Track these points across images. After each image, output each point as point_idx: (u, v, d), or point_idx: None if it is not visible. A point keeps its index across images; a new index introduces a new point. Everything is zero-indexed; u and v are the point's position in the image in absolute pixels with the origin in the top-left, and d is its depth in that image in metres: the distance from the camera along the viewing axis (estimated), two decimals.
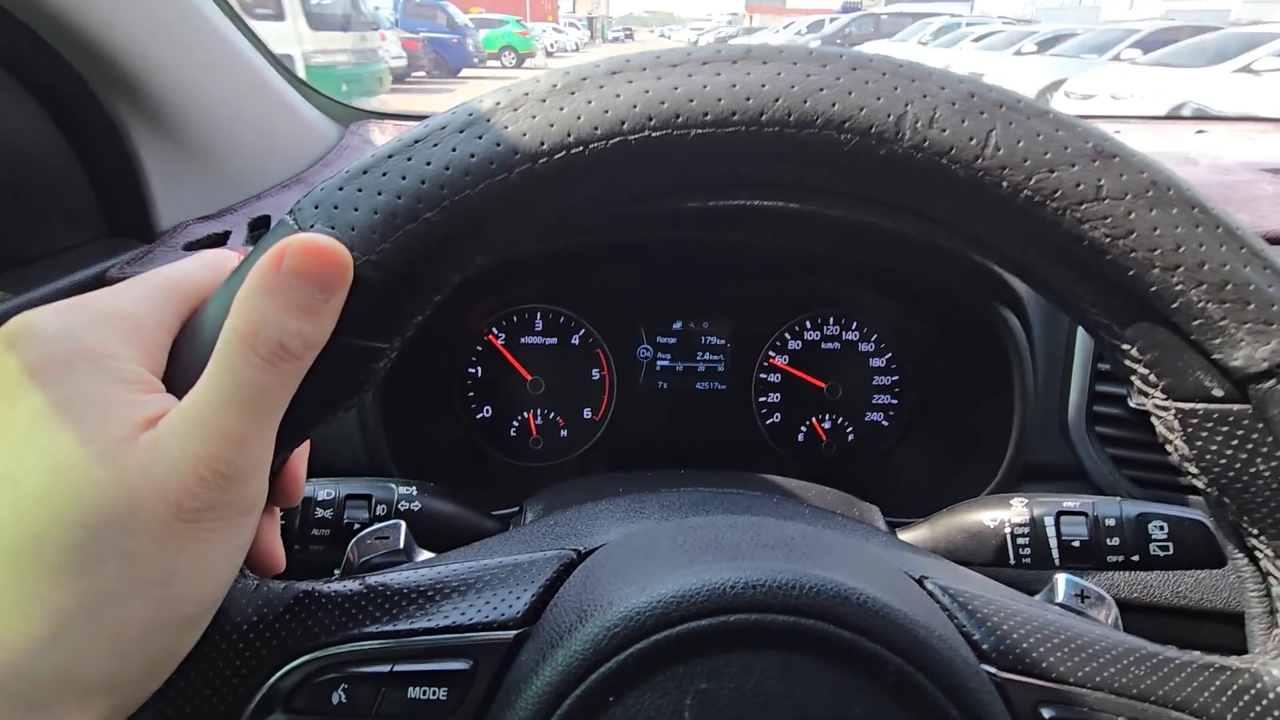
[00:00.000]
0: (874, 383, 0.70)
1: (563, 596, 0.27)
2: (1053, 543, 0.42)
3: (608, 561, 0.28)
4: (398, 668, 0.25)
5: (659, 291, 0.70)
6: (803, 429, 0.71)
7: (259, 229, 0.65)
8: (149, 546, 0.20)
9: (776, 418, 0.71)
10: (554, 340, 0.70)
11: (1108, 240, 0.22)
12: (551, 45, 19.98)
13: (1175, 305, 0.22)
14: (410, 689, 0.25)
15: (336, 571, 0.40)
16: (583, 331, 0.70)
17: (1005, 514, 0.44)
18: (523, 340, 0.69)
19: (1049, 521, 0.43)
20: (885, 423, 0.71)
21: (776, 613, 0.23)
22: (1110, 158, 0.22)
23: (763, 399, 0.71)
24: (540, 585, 0.27)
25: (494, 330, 0.69)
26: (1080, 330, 0.57)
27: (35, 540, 0.19)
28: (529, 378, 0.69)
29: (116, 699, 0.21)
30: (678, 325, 0.71)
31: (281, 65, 0.81)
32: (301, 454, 0.28)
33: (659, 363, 0.71)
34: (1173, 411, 0.24)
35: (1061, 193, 0.22)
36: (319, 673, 0.25)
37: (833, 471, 0.70)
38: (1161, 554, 0.41)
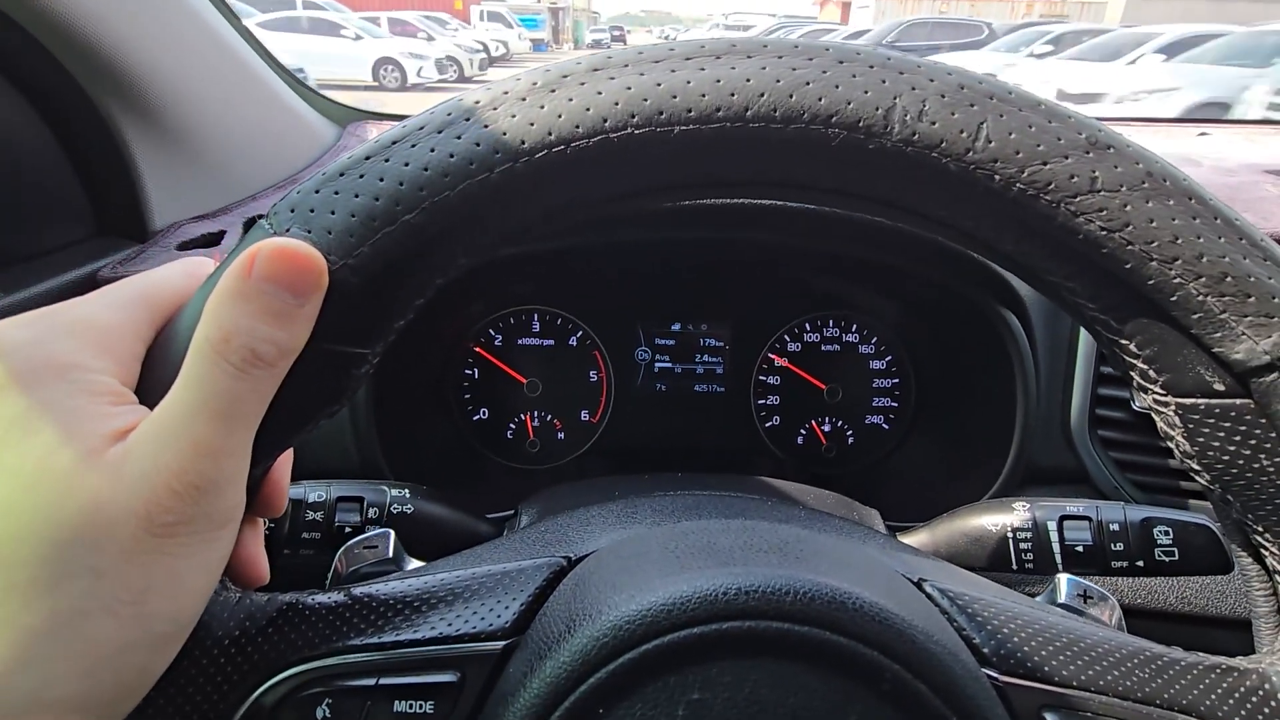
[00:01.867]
0: (874, 385, 0.70)
1: (552, 605, 0.26)
2: (1056, 547, 0.42)
3: (598, 569, 0.27)
4: (383, 681, 0.25)
5: (657, 293, 0.70)
6: (802, 431, 0.70)
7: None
8: (119, 563, 0.20)
9: (776, 420, 0.71)
10: (551, 342, 0.69)
11: (1103, 233, 0.22)
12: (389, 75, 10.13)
13: (1174, 298, 0.22)
14: (396, 703, 0.25)
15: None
16: (580, 333, 0.69)
17: (1007, 518, 0.43)
18: (520, 342, 0.69)
19: (1052, 526, 0.42)
20: (886, 425, 0.70)
21: (770, 619, 0.23)
22: (1105, 149, 0.22)
23: (762, 401, 0.70)
24: (529, 594, 0.27)
25: (491, 331, 0.68)
26: (1083, 332, 0.57)
27: (1, 559, 0.19)
28: (525, 380, 0.69)
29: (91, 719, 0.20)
30: (676, 327, 0.70)
31: (279, 65, 0.80)
32: (285, 462, 0.28)
33: (657, 365, 0.71)
34: (1173, 407, 0.23)
35: (1055, 185, 0.22)
36: (303, 687, 0.25)
37: (832, 474, 0.70)
38: (1167, 559, 0.40)
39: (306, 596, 0.26)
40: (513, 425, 0.69)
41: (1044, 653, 0.25)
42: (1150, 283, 0.22)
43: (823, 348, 0.70)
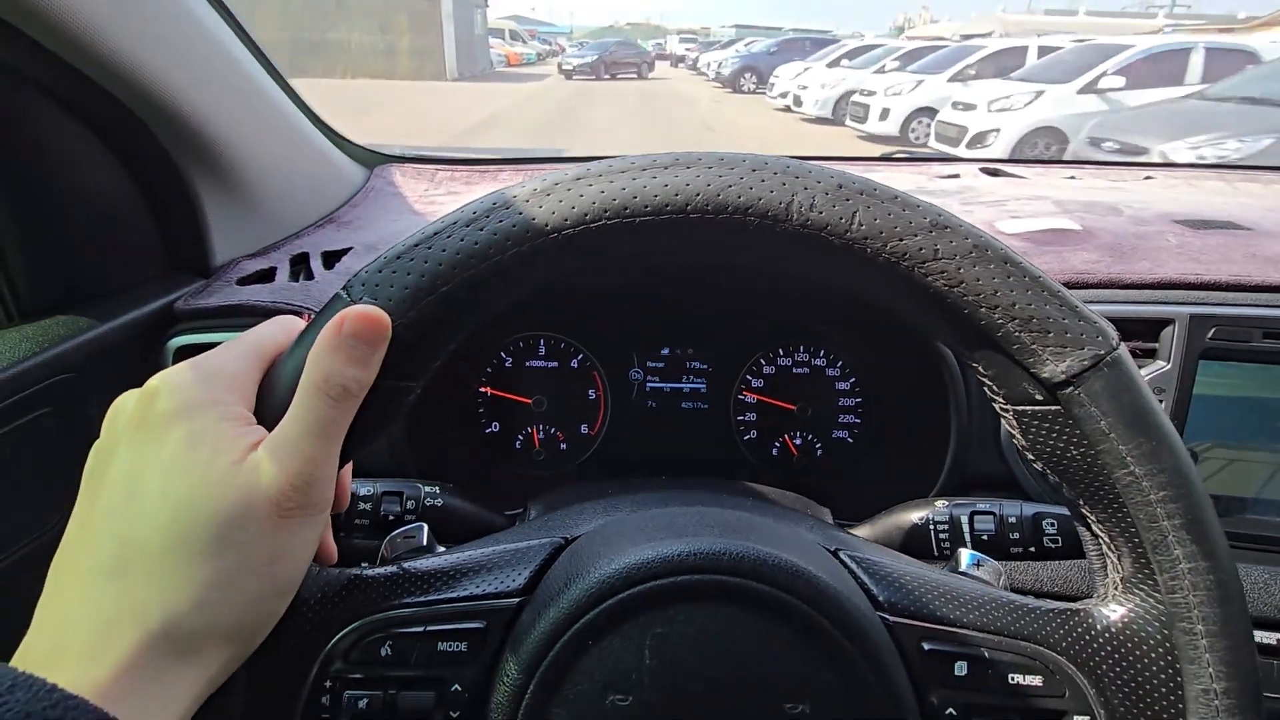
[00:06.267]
0: (840, 404, 0.78)
1: (554, 571, 0.35)
2: (967, 537, 0.51)
3: (587, 544, 0.36)
4: (429, 628, 0.33)
5: (649, 322, 0.78)
6: (776, 445, 0.79)
7: (299, 264, 0.74)
8: (259, 537, 0.28)
9: (753, 434, 0.79)
10: (555, 364, 0.78)
11: (946, 288, 0.29)
12: None
13: (999, 334, 0.29)
14: (439, 644, 0.33)
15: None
16: (581, 356, 0.78)
17: (930, 513, 0.53)
18: (527, 364, 0.77)
19: (964, 519, 0.51)
20: (850, 439, 0.79)
21: (710, 574, 0.31)
22: (944, 228, 0.29)
23: (741, 417, 0.79)
24: (537, 564, 0.36)
25: (503, 354, 0.77)
26: None
27: (183, 535, 0.27)
28: (532, 398, 0.77)
29: (238, 646, 0.29)
30: (666, 351, 0.79)
31: (314, 115, 0.90)
32: (346, 470, 0.36)
33: (649, 384, 0.79)
34: (1011, 413, 0.31)
35: (909, 255, 0.29)
36: (369, 633, 0.33)
37: (800, 480, 0.78)
38: (1052, 546, 0.50)
39: (366, 570, 0.35)
40: (521, 437, 0.78)
41: (925, 599, 0.33)
42: (982, 324, 0.29)
43: (794, 370, 0.78)
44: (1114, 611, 0.32)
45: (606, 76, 22.37)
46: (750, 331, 0.78)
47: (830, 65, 12.05)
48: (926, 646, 0.33)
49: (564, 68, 22.61)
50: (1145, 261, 0.65)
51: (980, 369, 0.31)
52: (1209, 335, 0.59)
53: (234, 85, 0.72)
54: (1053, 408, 0.29)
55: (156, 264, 0.69)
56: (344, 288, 0.31)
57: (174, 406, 0.28)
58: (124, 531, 0.27)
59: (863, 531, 0.56)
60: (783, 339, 0.78)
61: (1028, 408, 0.30)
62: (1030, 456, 0.31)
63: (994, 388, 0.31)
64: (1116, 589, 0.32)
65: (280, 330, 0.33)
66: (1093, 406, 0.29)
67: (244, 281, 0.68)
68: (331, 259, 0.74)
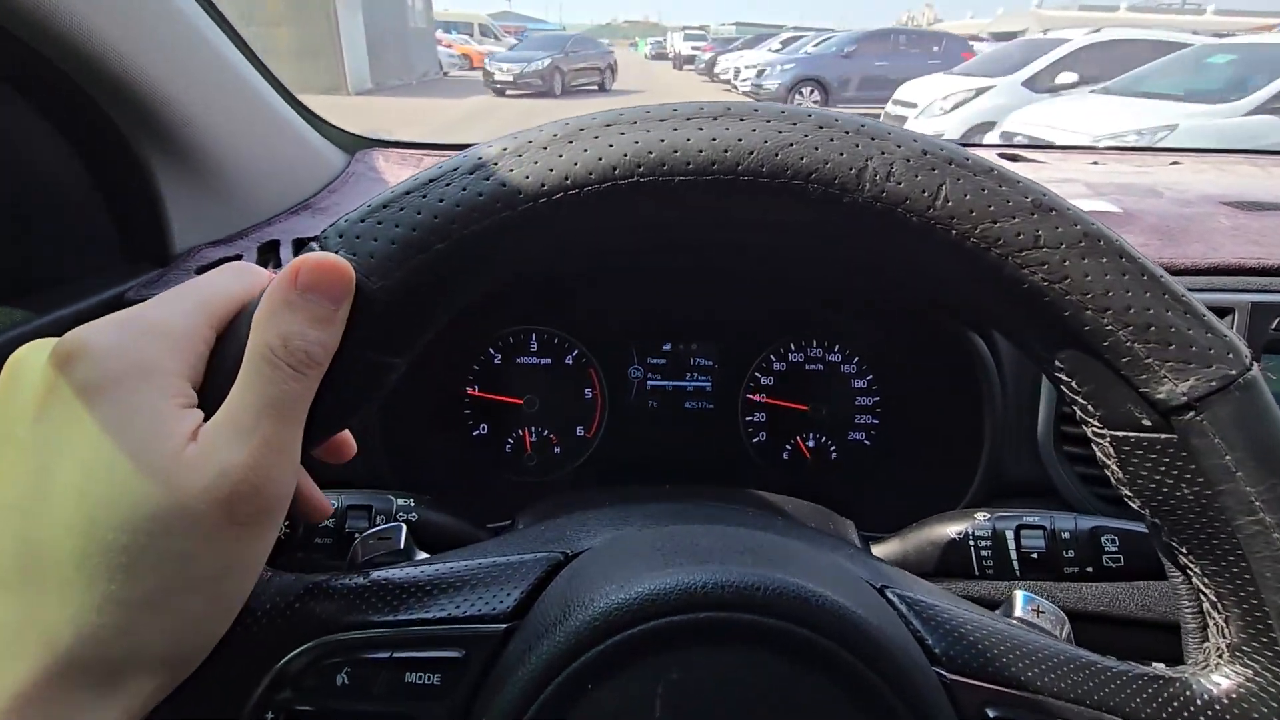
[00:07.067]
0: (856, 403, 0.73)
1: (550, 594, 0.29)
2: (1013, 554, 0.45)
3: (591, 563, 0.30)
4: (397, 654, 0.27)
5: (649, 314, 0.73)
6: (787, 447, 0.73)
7: (268, 253, 0.68)
8: (203, 549, 0.23)
9: (762, 436, 0.74)
10: (548, 360, 0.72)
11: (1045, 284, 0.25)
12: None
13: (1105, 344, 0.24)
14: (408, 674, 0.27)
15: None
16: (576, 352, 0.72)
17: (970, 527, 0.46)
18: (518, 360, 0.72)
19: (1010, 534, 0.45)
20: (867, 441, 0.73)
21: (741, 611, 0.26)
22: (1048, 210, 0.25)
23: (749, 418, 0.74)
24: (529, 583, 0.30)
25: (490, 350, 0.72)
26: None
27: (105, 543, 0.22)
28: (523, 398, 0.72)
29: (167, 675, 0.24)
30: (667, 346, 0.73)
31: (291, 95, 0.84)
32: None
33: (649, 382, 0.74)
34: (1108, 438, 0.26)
35: (1004, 240, 0.25)
36: (325, 656, 0.27)
37: (815, 487, 0.73)
38: (1113, 565, 0.44)
39: (330, 578, 0.29)
40: (511, 440, 0.72)
41: (989, 655, 0.28)
42: (1085, 329, 0.24)
43: (807, 367, 0.73)
44: (1218, 684, 0.27)
45: (559, 93, 13.61)
46: (759, 325, 0.73)
47: (958, 74, 7.11)
48: (992, 714, 0.27)
49: (494, 81, 13.51)
50: (1198, 244, 0.59)
51: (1074, 383, 0.26)
52: (1274, 326, 0.53)
53: (197, 58, 0.66)
54: (1165, 435, 0.25)
55: (109, 252, 0.63)
56: (316, 239, 0.26)
57: (95, 377, 0.23)
58: (28, 533, 0.22)
59: (892, 546, 0.50)
60: (794, 333, 0.73)
61: (1131, 434, 0.25)
62: (1128, 493, 0.26)
63: (1089, 407, 0.26)
64: (1221, 656, 0.27)
65: (237, 281, 0.27)
66: (1217, 438, 0.24)
67: (203, 270, 0.62)
68: (303, 246, 0.68)
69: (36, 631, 0.21)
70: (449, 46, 21.46)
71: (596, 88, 14.88)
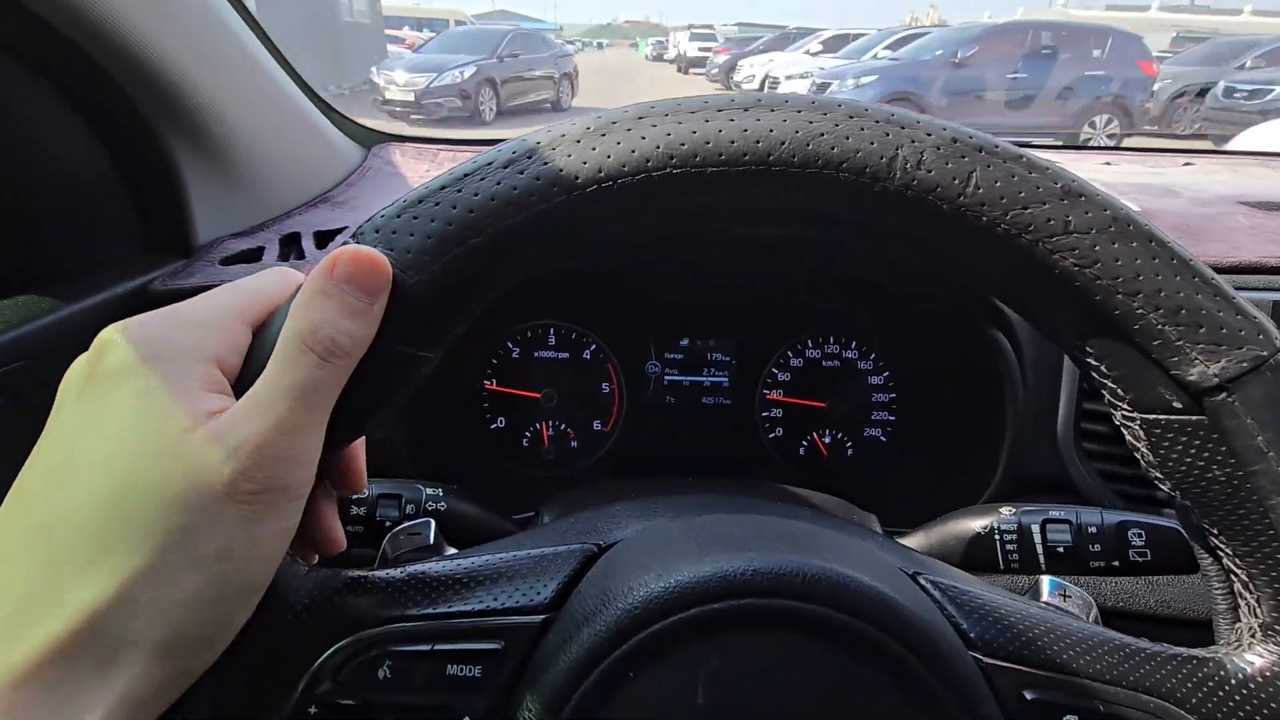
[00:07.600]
0: (873, 399, 0.73)
1: (586, 585, 0.29)
2: (1039, 548, 0.45)
3: (627, 554, 0.30)
4: (437, 647, 0.28)
5: (667, 309, 0.73)
6: (804, 443, 0.74)
7: (289, 245, 0.68)
8: (207, 524, 0.23)
9: (779, 432, 0.74)
10: (566, 355, 0.73)
11: (1076, 269, 0.25)
12: None
13: (1137, 327, 0.25)
14: (448, 666, 0.28)
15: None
16: (594, 346, 0.73)
17: (995, 521, 0.47)
18: (536, 354, 0.72)
19: (1035, 528, 0.46)
20: (884, 438, 0.73)
21: (781, 597, 0.26)
22: (1077, 196, 0.25)
23: (766, 414, 0.74)
24: (565, 575, 0.30)
25: (509, 344, 0.72)
26: None
27: (118, 515, 0.22)
28: (541, 391, 0.72)
29: (177, 663, 0.23)
30: (685, 342, 0.74)
31: (310, 90, 0.84)
32: (360, 446, 0.31)
33: (667, 378, 0.74)
34: (1138, 422, 0.26)
35: (1034, 226, 0.25)
36: (365, 650, 0.27)
37: (832, 483, 0.73)
38: (1140, 560, 0.44)
39: (368, 572, 0.29)
40: (529, 434, 0.73)
41: (1024, 639, 0.28)
42: (1116, 313, 0.25)
43: (824, 363, 0.73)
44: (1252, 662, 0.27)
45: (490, 118, 8.70)
46: (776, 321, 0.73)
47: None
48: (1029, 695, 0.27)
49: (386, 102, 8.45)
50: (1219, 243, 0.59)
51: (1103, 367, 0.26)
52: None
53: (223, 50, 0.66)
54: (1195, 418, 0.25)
55: (132, 242, 0.63)
56: (353, 234, 0.26)
57: (126, 360, 0.24)
58: (58, 498, 0.23)
59: (916, 541, 0.50)
60: (811, 329, 0.73)
61: (1162, 417, 0.25)
62: (1159, 475, 0.27)
63: (1119, 391, 0.26)
64: (1254, 635, 0.27)
65: (275, 284, 0.28)
66: (1249, 418, 0.24)
67: (228, 261, 0.62)
68: (325, 239, 0.68)
69: (53, 597, 0.22)
70: (411, 46, 15.35)
71: (549, 106, 9.85)
